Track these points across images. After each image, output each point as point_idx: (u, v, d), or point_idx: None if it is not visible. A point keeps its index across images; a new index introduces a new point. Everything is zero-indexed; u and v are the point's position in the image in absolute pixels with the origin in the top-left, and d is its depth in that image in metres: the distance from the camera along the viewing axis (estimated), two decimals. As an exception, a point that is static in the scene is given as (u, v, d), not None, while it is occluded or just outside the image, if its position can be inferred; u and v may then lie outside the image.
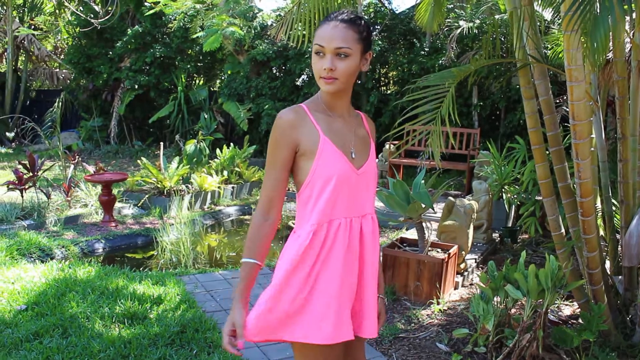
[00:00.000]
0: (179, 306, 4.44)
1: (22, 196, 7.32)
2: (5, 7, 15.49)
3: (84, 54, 14.53)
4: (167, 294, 4.67)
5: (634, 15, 3.85)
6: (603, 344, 3.74)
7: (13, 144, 14.76)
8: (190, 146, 9.09)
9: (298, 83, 12.34)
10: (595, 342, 3.66)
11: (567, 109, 3.48)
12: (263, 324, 1.96)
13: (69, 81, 15.55)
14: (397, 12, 12.48)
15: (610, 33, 2.63)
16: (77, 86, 15.28)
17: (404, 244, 5.14)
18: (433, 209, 5.01)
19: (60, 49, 18.31)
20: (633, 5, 2.57)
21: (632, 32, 4.00)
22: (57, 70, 16.50)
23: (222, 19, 11.14)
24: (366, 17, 12.23)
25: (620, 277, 4.30)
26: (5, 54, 15.81)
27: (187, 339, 3.85)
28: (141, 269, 5.68)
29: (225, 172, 9.24)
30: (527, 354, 3.54)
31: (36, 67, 16.57)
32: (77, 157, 9.07)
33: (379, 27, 12.07)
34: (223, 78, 14.47)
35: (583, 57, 3.28)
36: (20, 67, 16.76)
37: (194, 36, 12.31)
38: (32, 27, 16.45)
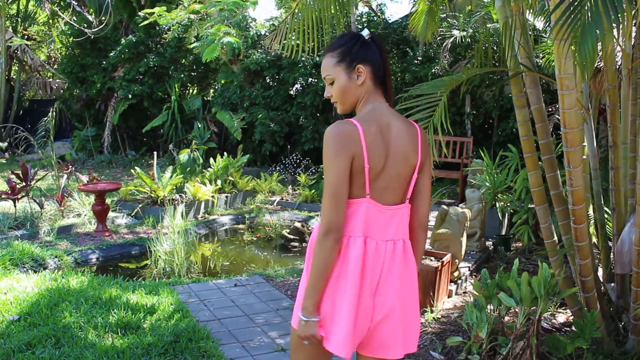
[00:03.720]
0: (173, 316, 4.43)
1: (15, 206, 7.30)
2: (-2, 17, 15.50)
3: (78, 63, 14.54)
4: (161, 303, 4.66)
5: (625, 23, 3.89)
6: (596, 351, 3.75)
7: (6, 153, 14.72)
8: (183, 155, 9.10)
9: (292, 92, 12.36)
10: (589, 349, 3.67)
11: (559, 117, 3.51)
12: None
13: (62, 91, 15.55)
14: (390, 21, 12.53)
15: (600, 43, 2.65)
16: (71, 96, 15.28)
17: (398, 253, 5.14)
18: (426, 218, 5.02)
19: (53, 59, 18.30)
20: (620, 15, 2.58)
21: (623, 41, 4.04)
22: (51, 80, 16.49)
23: (218, 29, 11.16)
24: (359, 26, 12.28)
25: (612, 284, 4.32)
26: (-1, 63, 15.81)
27: (181, 349, 3.84)
28: (135, 278, 5.66)
29: (218, 182, 9.24)
30: (521, 361, 3.55)
31: (29, 77, 16.56)
32: (70, 166, 9.07)
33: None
34: (216, 87, 14.49)
35: (574, 65, 3.31)
36: (14, 76, 16.74)
37: (191, 46, 12.35)
38: (26, 37, 16.45)
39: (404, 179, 2.13)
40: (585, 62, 2.69)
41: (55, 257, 6.13)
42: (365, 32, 2.17)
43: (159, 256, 6.53)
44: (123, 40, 13.82)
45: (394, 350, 2.13)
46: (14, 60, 16.17)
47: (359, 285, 2.04)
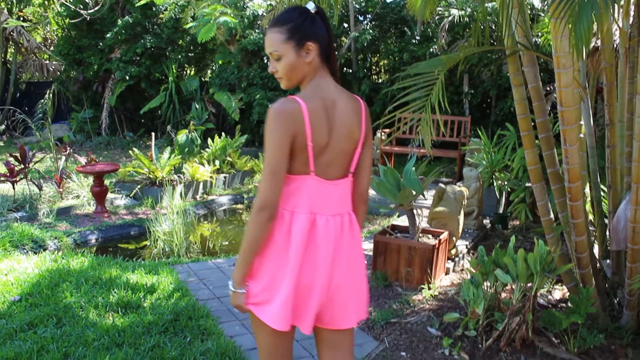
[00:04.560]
0: (173, 295, 4.47)
1: (13, 188, 7.32)
2: (-7, -1, 15.40)
3: (74, 45, 14.46)
4: (161, 283, 4.70)
5: (622, 2, 3.89)
6: (591, 327, 3.80)
7: (3, 136, 14.69)
8: (181, 136, 9.10)
9: (289, 72, 12.31)
10: (584, 324, 3.72)
11: (557, 96, 3.52)
12: None
13: (59, 73, 15.47)
14: (388, 0, 12.47)
15: (596, 22, 2.66)
16: (68, 78, 15.20)
17: (395, 231, 5.18)
18: (424, 196, 5.06)
19: (49, 41, 18.18)
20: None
21: (621, 19, 4.04)
22: (47, 62, 16.40)
23: (214, 9, 11.09)
24: (357, 6, 12.22)
25: (608, 261, 4.36)
26: (-6, 45, 15.72)
27: (181, 327, 3.89)
28: (134, 259, 5.70)
29: (217, 162, 9.25)
30: (517, 336, 3.60)
31: (26, 59, 16.46)
32: (68, 148, 9.07)
33: (370, 15, 12.07)
34: (214, 68, 14.44)
35: (570, 44, 3.31)
36: (10, 59, 16.65)
37: (187, 27, 12.27)
38: (21, 18, 16.32)
39: (348, 154, 2.14)
40: (580, 41, 2.70)
41: (55, 238, 6.16)
42: (311, 6, 2.11)
43: (158, 236, 6.56)
44: (119, 22, 13.72)
45: (348, 320, 2.21)
46: (10, 42, 16.08)
47: (300, 260, 2.06)
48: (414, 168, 4.93)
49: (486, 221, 6.65)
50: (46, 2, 16.15)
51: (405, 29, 11.71)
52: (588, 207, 4.62)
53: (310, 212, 2.10)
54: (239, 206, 8.56)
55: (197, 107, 12.71)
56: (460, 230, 5.39)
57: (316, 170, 2.08)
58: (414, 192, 4.75)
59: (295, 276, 2.06)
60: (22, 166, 7.39)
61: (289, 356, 2.30)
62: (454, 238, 5.26)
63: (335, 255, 2.13)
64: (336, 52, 2.19)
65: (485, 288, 3.82)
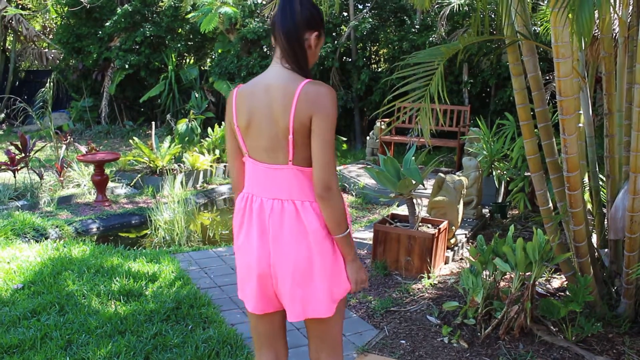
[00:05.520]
0: (174, 283, 4.51)
1: (14, 177, 7.34)
2: (-8, -13, 15.31)
3: (73, 33, 14.42)
4: (162, 271, 4.73)
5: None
6: (589, 315, 3.83)
7: (3, 125, 14.69)
8: (181, 125, 9.10)
9: (289, 61, 12.30)
10: (582, 313, 3.75)
11: (556, 85, 3.54)
12: None
13: (58, 61, 15.43)
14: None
15: (598, 11, 2.67)
16: (67, 66, 15.17)
17: (395, 220, 5.21)
18: (423, 185, 5.08)
19: (48, 29, 18.12)
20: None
21: (620, 8, 4.04)
22: (46, 50, 16.35)
23: (216, -2, 11.11)
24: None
25: (606, 250, 4.39)
26: (-7, 34, 15.68)
27: (183, 315, 3.92)
28: (135, 247, 5.73)
29: (217, 151, 9.26)
30: (515, 325, 3.64)
31: (25, 48, 16.40)
32: (68, 137, 9.08)
33: (369, 4, 12.04)
34: (214, 57, 14.41)
35: (570, 34, 3.32)
36: (9, 47, 16.60)
37: (189, 16, 12.24)
38: (20, 6, 16.27)
39: (280, 139, 2.08)
40: (582, 31, 2.71)
41: (56, 227, 6.19)
42: None
43: (159, 225, 6.59)
44: (119, 10, 13.68)
45: (291, 312, 2.18)
46: (9, 30, 16.03)
47: (236, 236, 2.24)
48: (413, 157, 4.95)
49: (485, 210, 6.68)
50: (45, -10, 16.09)
51: (405, 17, 11.69)
52: (586, 196, 4.64)
53: (248, 192, 2.21)
54: (239, 195, 8.57)
55: (197, 96, 12.70)
56: (460, 220, 5.42)
57: (249, 153, 2.18)
58: (414, 182, 4.77)
59: (235, 252, 2.25)
60: (23, 155, 7.41)
61: (271, 340, 2.36)
62: (453, 227, 5.29)
63: (274, 240, 2.13)
64: (292, 37, 2.12)
65: (484, 277, 3.85)
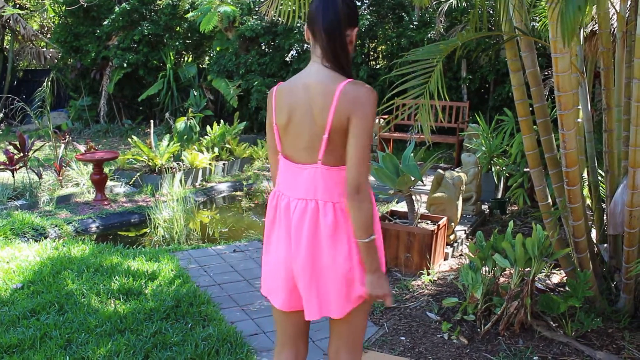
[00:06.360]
0: (174, 281, 4.50)
1: (13, 176, 7.33)
2: (-11, -14, 15.28)
3: (71, 32, 14.40)
4: (162, 269, 4.73)
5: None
6: (589, 310, 3.83)
7: (2, 124, 14.67)
8: (180, 124, 9.09)
9: (287, 59, 12.31)
10: (581, 308, 3.76)
11: (554, 81, 3.53)
12: None
13: (56, 60, 15.40)
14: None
15: (589, 6, 2.67)
16: (65, 65, 15.15)
17: (394, 217, 5.21)
18: (422, 182, 5.07)
19: (46, 28, 18.09)
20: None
21: (618, 3, 4.04)
22: (44, 49, 16.33)
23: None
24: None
25: (605, 245, 4.39)
26: (-9, 33, 15.65)
27: (182, 313, 3.92)
28: (135, 246, 5.72)
29: (216, 149, 9.26)
30: (515, 320, 3.64)
31: (23, 47, 16.37)
32: (67, 136, 9.07)
33: (367, 1, 12.02)
34: (212, 55, 14.39)
35: (556, 29, 3.32)
36: (7, 46, 16.58)
37: (188, 16, 12.22)
38: (18, 6, 16.24)
39: (314, 138, 2.08)
40: (566, 27, 2.71)
41: (56, 226, 6.18)
42: None
43: (159, 224, 6.59)
44: (117, 8, 13.66)
45: (309, 310, 2.18)
46: (7, 29, 16.00)
47: (267, 234, 2.28)
48: (412, 154, 4.95)
49: (484, 206, 6.68)
50: (42, -11, 16.06)
51: (403, 14, 11.66)
52: (586, 191, 4.64)
53: (278, 189, 2.23)
54: (238, 193, 8.58)
55: (195, 94, 12.69)
56: (459, 216, 5.42)
57: (283, 151, 2.20)
58: (413, 178, 4.77)
59: (265, 249, 2.28)
60: (22, 154, 7.40)
61: (295, 339, 2.37)
62: (452, 223, 5.29)
63: (296, 240, 2.13)
64: (335, 34, 2.09)
65: (484, 273, 3.85)
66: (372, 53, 12.91)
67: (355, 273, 2.13)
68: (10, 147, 7.69)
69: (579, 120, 4.19)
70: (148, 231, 6.60)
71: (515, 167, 6.31)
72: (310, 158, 2.11)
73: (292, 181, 2.17)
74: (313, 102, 2.06)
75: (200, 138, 9.48)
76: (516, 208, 6.79)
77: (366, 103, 2.01)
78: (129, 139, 9.33)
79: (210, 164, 8.83)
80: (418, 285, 4.55)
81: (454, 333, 3.71)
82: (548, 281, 4.60)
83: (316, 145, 2.08)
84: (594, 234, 4.61)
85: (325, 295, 2.15)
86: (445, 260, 5.16)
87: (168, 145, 8.60)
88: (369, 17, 11.41)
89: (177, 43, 13.95)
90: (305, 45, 11.73)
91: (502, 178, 6.87)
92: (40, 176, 7.45)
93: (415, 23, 11.25)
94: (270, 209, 2.24)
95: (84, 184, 7.75)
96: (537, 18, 6.80)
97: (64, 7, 14.42)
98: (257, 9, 12.24)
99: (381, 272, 2.14)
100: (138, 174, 8.19)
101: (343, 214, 2.11)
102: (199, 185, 8.52)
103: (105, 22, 13.74)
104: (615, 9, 4.08)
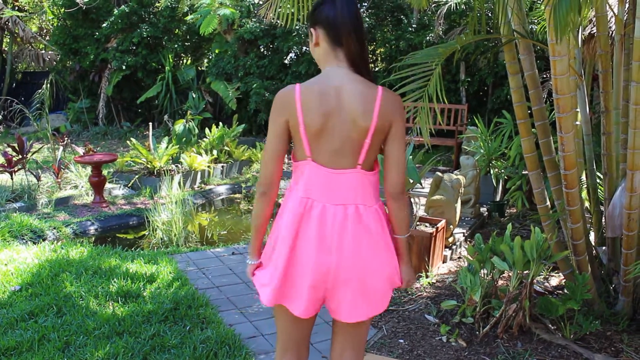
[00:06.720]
0: (172, 284, 4.50)
1: (11, 178, 7.33)
2: (-12, -12, 15.28)
3: (70, 35, 14.40)
4: (160, 272, 4.72)
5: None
6: (587, 313, 3.83)
7: (0, 127, 14.66)
8: (179, 126, 9.10)
9: (286, 61, 12.30)
10: (580, 310, 3.75)
11: (553, 84, 3.54)
12: None
13: (55, 63, 15.41)
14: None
15: (582, 7, 2.68)
16: (64, 67, 15.15)
17: (393, 220, 5.20)
18: (421, 184, 5.08)
19: (45, 30, 18.09)
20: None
21: (615, 5, 4.04)
22: (43, 51, 16.33)
23: (214, 0, 11.09)
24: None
25: (604, 247, 4.39)
26: (-10, 36, 15.65)
27: (180, 316, 3.92)
28: (133, 248, 5.72)
29: (214, 152, 9.26)
30: (514, 323, 3.64)
31: (21, 49, 16.38)
32: (66, 138, 9.07)
33: (366, 3, 12.03)
34: (211, 57, 14.40)
35: (550, 30, 3.32)
36: (6, 49, 16.58)
37: (188, 18, 12.22)
38: (17, 8, 16.24)
39: (355, 143, 2.08)
40: (559, 27, 2.72)
41: (54, 228, 6.18)
42: None
43: (157, 226, 6.59)
44: (115, 11, 13.66)
45: (354, 313, 2.17)
46: (5, 32, 16.01)
47: (290, 242, 2.11)
48: (411, 156, 4.95)
49: (483, 209, 6.68)
50: (41, -8, 16.06)
51: (402, 17, 11.67)
52: (584, 194, 4.65)
53: (307, 197, 2.13)
54: (237, 195, 8.58)
55: (194, 96, 12.69)
56: (458, 218, 5.42)
57: (313, 156, 2.11)
58: (412, 181, 4.77)
59: (286, 257, 2.12)
60: (20, 156, 7.40)
61: (299, 344, 2.35)
62: (451, 226, 5.29)
63: (339, 245, 2.09)
64: (363, 40, 2.12)
65: (483, 275, 3.86)
66: (370, 56, 12.92)
67: (395, 274, 2.23)
68: (9, 150, 7.68)
69: (578, 122, 4.20)
70: (146, 234, 6.60)
71: (513, 170, 6.32)
72: (348, 163, 2.11)
73: (326, 187, 2.11)
74: (352, 106, 2.05)
75: (199, 140, 9.49)
76: (515, 210, 6.79)
77: (402, 107, 2.14)
78: (128, 142, 9.33)
79: (208, 167, 8.83)
80: (417, 288, 4.54)
81: (453, 336, 3.71)
82: (546, 284, 4.60)
83: (355, 149, 2.09)
84: (592, 236, 4.61)
85: (375, 294, 2.18)
86: (443, 262, 5.16)
87: (167, 147, 8.60)
88: (367, 19, 11.41)
89: (175, 45, 13.96)
90: (305, 47, 11.74)
91: (501, 180, 6.88)
92: (38, 178, 7.45)
93: (414, 26, 11.26)
94: (296, 215, 2.12)
95: (82, 187, 7.74)
96: (536, 21, 6.81)
97: (63, 9, 14.42)
98: (256, 12, 12.25)
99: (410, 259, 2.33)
100: (137, 176, 8.19)
101: (381, 217, 2.18)
102: (198, 187, 8.52)
103: (104, 25, 13.74)
104: (613, 12, 4.09)
